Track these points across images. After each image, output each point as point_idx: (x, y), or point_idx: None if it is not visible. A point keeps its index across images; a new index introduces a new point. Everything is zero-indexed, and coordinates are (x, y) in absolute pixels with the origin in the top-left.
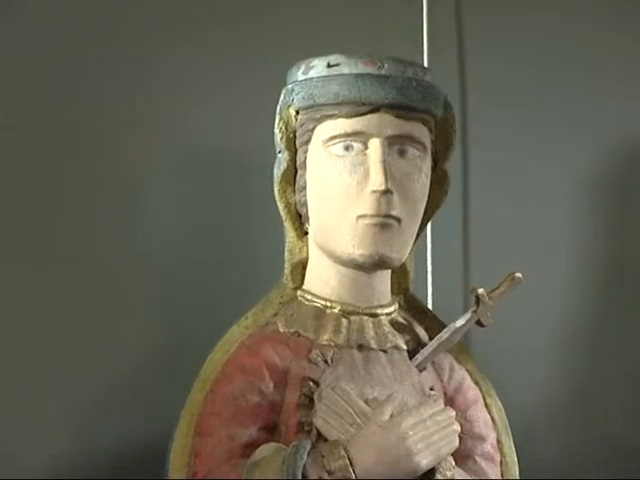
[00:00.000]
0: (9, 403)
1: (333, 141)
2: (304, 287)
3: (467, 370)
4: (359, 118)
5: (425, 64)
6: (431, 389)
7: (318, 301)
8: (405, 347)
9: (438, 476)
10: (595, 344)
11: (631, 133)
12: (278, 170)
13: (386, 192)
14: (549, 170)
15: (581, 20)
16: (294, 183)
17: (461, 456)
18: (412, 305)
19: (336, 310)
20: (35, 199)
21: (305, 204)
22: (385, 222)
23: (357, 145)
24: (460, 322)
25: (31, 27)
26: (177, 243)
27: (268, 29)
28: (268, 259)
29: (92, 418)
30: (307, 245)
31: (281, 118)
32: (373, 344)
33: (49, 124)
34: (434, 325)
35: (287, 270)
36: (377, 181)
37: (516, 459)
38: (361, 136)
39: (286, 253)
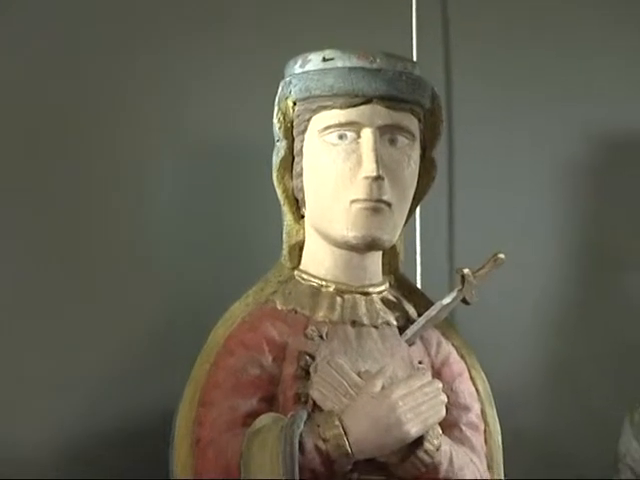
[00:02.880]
0: (13, 380)
1: (328, 130)
2: (301, 267)
3: (453, 345)
4: (352, 109)
5: (414, 58)
6: (419, 362)
7: (314, 280)
8: (395, 323)
9: (426, 444)
10: (574, 319)
11: (611, 120)
12: (277, 157)
13: (377, 178)
14: (531, 156)
15: (564, 11)
16: (291, 170)
17: (447, 425)
18: (402, 284)
19: (331, 289)
20: (36, 195)
21: (302, 189)
22: (377, 206)
23: (350, 134)
24: (447, 300)
25: (32, 26)
26: (180, 224)
27: (266, 26)
28: (267, 241)
29: (101, 391)
30: (304, 228)
31: (279, 109)
32: (365, 320)
33: (48, 122)
34: (422, 303)
35: (285, 251)
36: (369, 168)
37: (499, 428)
38: (354, 126)
39: (284, 235)
